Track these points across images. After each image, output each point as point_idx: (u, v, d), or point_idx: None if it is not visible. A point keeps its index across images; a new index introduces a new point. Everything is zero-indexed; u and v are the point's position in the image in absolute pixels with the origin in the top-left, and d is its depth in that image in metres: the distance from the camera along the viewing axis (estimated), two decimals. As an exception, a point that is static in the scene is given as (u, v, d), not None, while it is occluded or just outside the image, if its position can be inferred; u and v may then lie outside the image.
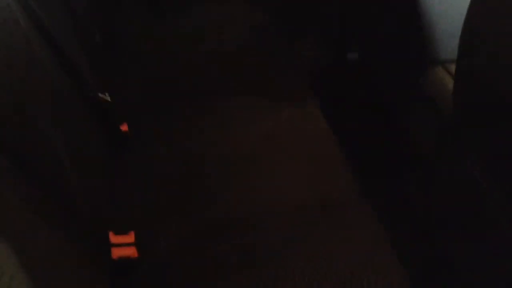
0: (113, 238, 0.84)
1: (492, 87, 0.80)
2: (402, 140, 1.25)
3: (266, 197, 0.97)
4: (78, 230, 0.80)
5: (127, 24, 1.51)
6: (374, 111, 1.42)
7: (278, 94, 1.23)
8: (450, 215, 1.02)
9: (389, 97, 1.33)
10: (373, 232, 0.90)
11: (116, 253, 0.82)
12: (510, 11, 0.74)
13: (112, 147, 1.04)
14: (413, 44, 1.13)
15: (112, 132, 1.04)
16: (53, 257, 0.69)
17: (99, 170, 0.96)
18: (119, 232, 0.86)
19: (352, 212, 0.93)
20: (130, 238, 0.85)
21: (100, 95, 0.99)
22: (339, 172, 1.02)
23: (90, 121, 0.98)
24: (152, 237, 0.88)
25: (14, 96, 0.72)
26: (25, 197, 0.69)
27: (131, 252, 0.83)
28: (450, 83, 1.03)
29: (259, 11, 1.52)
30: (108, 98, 1.00)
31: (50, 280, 0.62)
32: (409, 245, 1.10)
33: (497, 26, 0.78)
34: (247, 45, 1.38)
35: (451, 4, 1.04)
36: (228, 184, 1.00)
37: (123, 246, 0.83)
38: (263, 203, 0.96)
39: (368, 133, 1.40)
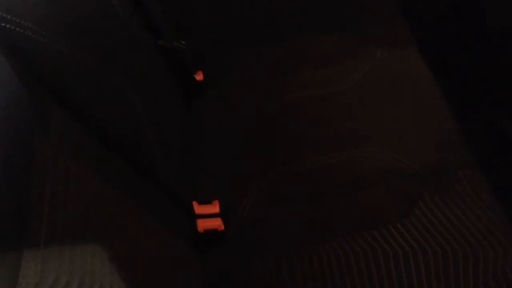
0: (198, 209, 0.79)
1: None
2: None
3: (361, 156, 0.87)
4: (162, 203, 0.74)
5: None
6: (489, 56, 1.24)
7: (367, 25, 1.09)
8: None
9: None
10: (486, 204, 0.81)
11: (202, 225, 0.77)
12: None
13: (189, 100, 0.96)
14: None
15: (188, 83, 0.95)
16: (139, 234, 0.64)
17: (178, 131, 0.88)
18: (203, 201, 0.80)
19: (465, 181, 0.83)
20: (215, 208, 0.79)
21: (175, 43, 0.89)
22: (446, 132, 0.90)
23: (166, 73, 0.89)
24: (237, 205, 0.82)
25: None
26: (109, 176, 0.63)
27: (217, 224, 0.77)
28: None
29: None
30: (183, 46, 0.91)
31: (136, 255, 0.59)
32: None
33: None
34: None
35: None
36: (315, 135, 0.91)
37: (208, 217, 0.78)
38: (357, 162, 0.87)
39: (479, 85, 1.24)
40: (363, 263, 0.76)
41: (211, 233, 0.77)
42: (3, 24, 0.53)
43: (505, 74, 1.14)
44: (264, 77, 1.02)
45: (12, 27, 0.54)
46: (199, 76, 0.98)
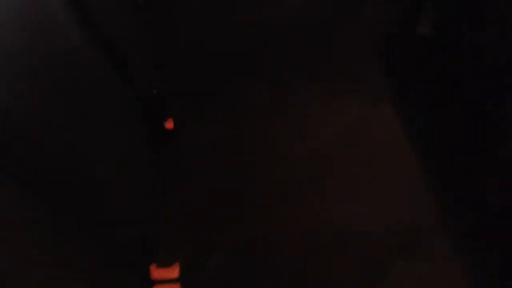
0: (155, 273, 0.73)
1: None
2: (496, 152, 1.08)
3: (338, 218, 0.84)
4: (116, 264, 0.69)
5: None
6: (459, 107, 1.23)
7: (343, 80, 1.07)
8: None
9: (482, 93, 1.13)
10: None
11: (159, 292, 0.72)
12: None
13: (157, 148, 0.92)
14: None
15: (156, 130, 0.91)
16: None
17: (141, 183, 0.84)
18: (162, 264, 0.75)
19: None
20: (174, 272, 0.74)
21: (144, 90, 0.85)
22: (419, 192, 0.87)
23: (130, 120, 0.85)
24: (200, 270, 0.77)
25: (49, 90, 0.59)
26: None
27: (176, 290, 0.72)
28: None
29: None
30: (155, 94, 0.87)
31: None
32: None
33: None
34: (307, 10, 1.20)
35: None
36: (283, 194, 0.87)
37: (166, 283, 0.73)
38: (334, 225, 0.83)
39: (453, 136, 1.22)
40: None
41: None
42: None
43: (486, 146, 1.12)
44: (237, 127, 0.98)
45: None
46: (169, 124, 0.94)
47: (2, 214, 0.51)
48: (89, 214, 0.65)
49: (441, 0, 1.36)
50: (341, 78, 1.08)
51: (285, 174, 0.91)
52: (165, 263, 0.75)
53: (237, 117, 0.99)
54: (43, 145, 0.60)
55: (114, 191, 0.71)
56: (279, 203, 0.87)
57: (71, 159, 0.64)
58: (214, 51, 1.12)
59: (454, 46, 1.26)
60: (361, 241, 0.82)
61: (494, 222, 1.02)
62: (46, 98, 0.61)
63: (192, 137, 0.95)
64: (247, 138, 0.96)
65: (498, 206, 1.05)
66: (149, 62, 0.95)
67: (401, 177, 0.91)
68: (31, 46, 0.60)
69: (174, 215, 0.85)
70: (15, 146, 0.57)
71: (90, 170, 0.67)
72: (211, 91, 1.05)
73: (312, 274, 0.79)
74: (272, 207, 0.86)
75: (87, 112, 0.69)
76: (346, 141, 0.96)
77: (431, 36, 1.44)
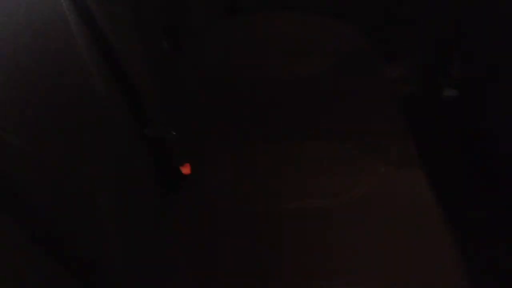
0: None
1: None
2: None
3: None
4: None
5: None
6: (490, 177, 1.17)
7: (372, 137, 1.02)
8: None
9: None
10: None
11: None
12: None
13: (166, 193, 0.86)
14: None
15: (170, 175, 0.85)
16: None
17: (145, 229, 0.77)
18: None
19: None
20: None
21: (163, 132, 0.80)
22: (445, 268, 0.80)
23: (143, 162, 0.79)
24: None
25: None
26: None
27: None
28: None
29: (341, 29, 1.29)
30: (172, 135, 0.82)
31: None
32: None
33: None
34: (327, 71, 1.17)
35: None
36: (302, 260, 0.80)
37: None
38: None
39: (483, 206, 1.15)
40: None
41: None
42: None
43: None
44: (252, 180, 0.93)
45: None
46: (186, 169, 0.89)
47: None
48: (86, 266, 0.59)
49: (467, 62, 1.33)
50: (366, 135, 1.03)
51: (302, 233, 0.84)
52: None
53: (252, 171, 0.94)
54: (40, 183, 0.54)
55: (117, 240, 0.65)
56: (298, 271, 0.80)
57: (74, 201, 0.59)
58: (239, 99, 1.08)
59: (481, 110, 1.22)
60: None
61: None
62: (56, 132, 0.56)
63: (207, 185, 0.89)
64: (259, 193, 0.91)
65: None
66: (170, 103, 0.91)
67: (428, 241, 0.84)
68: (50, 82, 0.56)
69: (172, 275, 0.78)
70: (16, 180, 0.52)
71: (93, 212, 0.61)
72: (233, 139, 1.00)
73: None
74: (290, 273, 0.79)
75: (97, 151, 0.64)
76: (370, 202, 0.89)
77: (457, 99, 1.42)
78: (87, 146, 0.62)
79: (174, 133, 0.82)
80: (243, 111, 1.07)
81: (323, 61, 1.18)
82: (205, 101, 1.07)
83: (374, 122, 1.05)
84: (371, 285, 0.78)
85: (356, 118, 1.06)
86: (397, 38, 1.47)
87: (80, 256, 0.59)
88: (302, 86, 1.13)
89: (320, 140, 1.00)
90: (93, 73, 0.67)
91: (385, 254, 0.81)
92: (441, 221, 0.88)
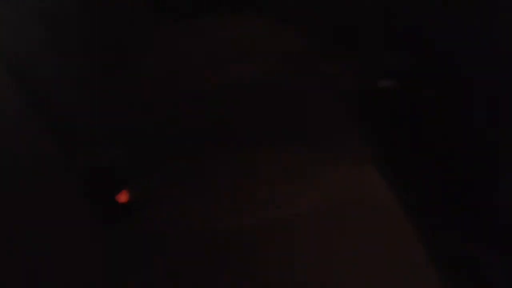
0: None
1: None
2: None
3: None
4: None
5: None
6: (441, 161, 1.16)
7: (326, 141, 0.99)
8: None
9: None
10: None
11: None
12: None
13: (110, 225, 0.79)
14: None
15: (107, 206, 0.78)
16: None
17: (89, 266, 0.71)
18: None
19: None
20: None
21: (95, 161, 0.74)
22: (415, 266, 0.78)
23: (77, 197, 0.72)
24: None
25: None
26: None
27: None
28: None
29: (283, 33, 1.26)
30: (106, 164, 0.75)
31: None
32: None
33: None
34: (271, 76, 1.13)
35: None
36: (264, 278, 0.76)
37: None
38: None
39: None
40: None
41: None
42: None
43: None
44: (202, 197, 0.87)
45: None
46: (123, 197, 0.82)
47: None
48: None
49: (401, 53, 1.33)
50: (320, 139, 1.00)
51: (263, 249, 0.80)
52: None
53: (202, 187, 0.88)
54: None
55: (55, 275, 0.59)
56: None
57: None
58: (176, 118, 1.02)
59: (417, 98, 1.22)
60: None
61: None
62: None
63: (151, 213, 0.83)
64: (209, 211, 0.85)
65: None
66: (100, 130, 0.84)
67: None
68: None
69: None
70: None
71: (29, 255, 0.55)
72: (175, 161, 0.93)
73: None
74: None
75: (24, 190, 0.57)
76: (329, 205, 0.86)
77: (394, 89, 1.42)
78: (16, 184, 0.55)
79: (106, 161, 0.75)
80: (184, 124, 1.01)
81: (267, 64, 1.14)
82: (144, 117, 1.01)
83: (322, 122, 1.02)
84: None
85: (304, 120, 1.04)
86: (336, 36, 1.46)
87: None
88: (247, 91, 1.08)
89: (270, 148, 0.97)
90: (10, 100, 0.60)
91: (350, 259, 0.79)
92: (401, 217, 0.86)
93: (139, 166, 0.89)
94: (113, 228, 0.79)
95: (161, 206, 0.83)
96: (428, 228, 0.91)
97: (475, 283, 0.99)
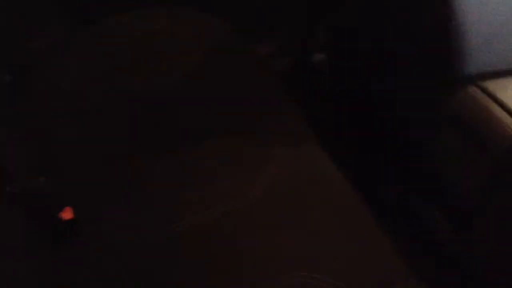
0: None
1: None
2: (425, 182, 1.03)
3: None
4: None
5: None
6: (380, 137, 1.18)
7: (256, 125, 0.97)
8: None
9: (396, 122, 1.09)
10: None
11: None
12: None
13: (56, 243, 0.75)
14: (431, 56, 0.90)
15: (51, 225, 0.74)
16: None
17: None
18: None
19: None
20: None
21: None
22: (371, 240, 0.78)
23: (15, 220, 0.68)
24: None
25: None
26: None
27: None
28: (491, 105, 0.81)
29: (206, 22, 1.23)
30: (42, 184, 0.71)
31: None
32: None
33: None
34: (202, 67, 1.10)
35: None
36: (220, 271, 0.74)
37: None
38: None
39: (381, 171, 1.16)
40: None
41: None
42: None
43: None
44: (148, 203, 0.83)
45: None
46: (68, 214, 0.78)
47: None
48: None
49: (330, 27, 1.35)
50: (256, 127, 0.99)
51: (218, 243, 0.78)
52: None
53: (146, 191, 0.85)
54: None
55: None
56: None
57: None
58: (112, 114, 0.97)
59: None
60: None
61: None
62: None
63: (96, 227, 0.79)
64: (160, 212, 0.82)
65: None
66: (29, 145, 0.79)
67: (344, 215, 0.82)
68: None
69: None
70: None
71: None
72: (112, 173, 0.89)
73: None
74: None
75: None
76: (277, 191, 0.85)
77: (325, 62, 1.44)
78: None
79: (43, 179, 0.71)
80: (119, 128, 0.97)
81: (196, 58, 1.11)
82: (73, 131, 0.96)
83: (259, 107, 1.00)
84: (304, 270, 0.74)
85: (241, 107, 1.02)
86: (262, 16, 1.45)
87: None
88: (176, 87, 1.05)
89: (210, 142, 0.94)
90: None
91: (305, 246, 0.78)
92: (352, 198, 0.86)
93: (76, 181, 0.85)
94: (60, 246, 0.75)
95: (105, 218, 0.79)
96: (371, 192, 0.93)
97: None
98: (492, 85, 0.81)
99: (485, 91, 0.81)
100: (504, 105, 0.79)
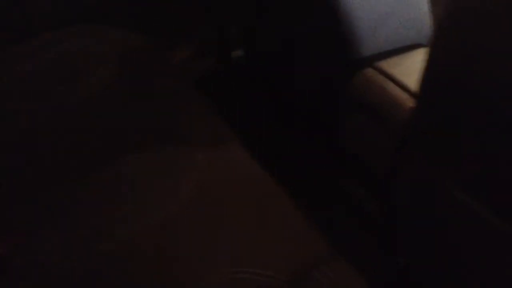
0: None
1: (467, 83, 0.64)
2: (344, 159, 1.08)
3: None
4: None
5: None
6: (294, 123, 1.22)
7: (177, 132, 1.00)
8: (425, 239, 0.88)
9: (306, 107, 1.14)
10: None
11: None
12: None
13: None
14: (327, 40, 0.95)
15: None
16: None
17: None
18: None
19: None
20: None
21: None
22: (296, 228, 0.83)
23: None
24: None
25: None
26: None
27: None
28: (386, 83, 0.87)
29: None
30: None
31: None
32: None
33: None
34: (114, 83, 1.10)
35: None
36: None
37: None
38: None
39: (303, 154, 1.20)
40: None
41: None
42: None
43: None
44: (77, 222, 0.84)
45: None
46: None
47: None
48: None
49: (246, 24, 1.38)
50: (176, 132, 1.01)
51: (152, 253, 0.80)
52: None
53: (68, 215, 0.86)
54: None
55: None
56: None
57: None
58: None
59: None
60: None
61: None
62: None
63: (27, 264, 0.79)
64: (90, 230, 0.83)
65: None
66: None
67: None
68: None
69: None
70: None
71: None
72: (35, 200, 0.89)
73: None
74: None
75: None
76: (204, 193, 0.88)
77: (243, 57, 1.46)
78: None
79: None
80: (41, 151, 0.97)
81: (111, 73, 1.12)
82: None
83: (178, 113, 1.03)
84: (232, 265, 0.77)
85: (162, 119, 1.04)
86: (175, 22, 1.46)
87: None
88: (96, 104, 1.05)
89: (133, 155, 0.95)
90: None
91: (234, 244, 0.81)
92: (277, 193, 0.90)
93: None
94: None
95: (34, 249, 0.80)
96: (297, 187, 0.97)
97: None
98: (385, 65, 0.87)
99: (379, 71, 0.87)
100: (397, 81, 0.85)
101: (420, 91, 0.73)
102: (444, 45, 0.67)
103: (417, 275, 0.89)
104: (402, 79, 0.85)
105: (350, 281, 0.80)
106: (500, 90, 0.60)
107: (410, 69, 0.86)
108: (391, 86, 0.85)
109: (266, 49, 1.27)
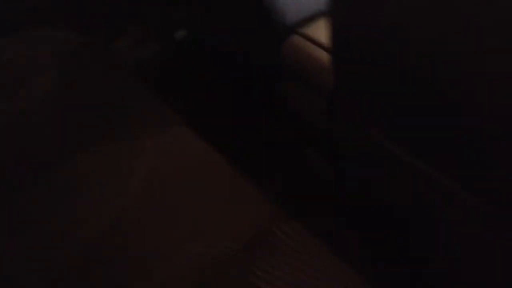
0: None
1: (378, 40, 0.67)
2: (286, 123, 1.12)
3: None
4: None
5: None
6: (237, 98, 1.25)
7: (124, 123, 1.02)
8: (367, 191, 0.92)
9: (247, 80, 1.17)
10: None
11: None
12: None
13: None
14: (254, 12, 0.97)
15: None
16: None
17: None
18: None
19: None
20: None
21: None
22: (243, 195, 0.86)
23: None
24: None
25: None
26: None
27: None
28: (312, 49, 0.90)
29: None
30: None
31: None
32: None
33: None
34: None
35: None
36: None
37: None
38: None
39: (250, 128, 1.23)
40: None
41: None
42: None
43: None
44: (35, 230, 0.86)
45: None
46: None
47: None
48: None
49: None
50: (126, 124, 1.03)
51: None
52: None
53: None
54: None
55: None
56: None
57: None
58: None
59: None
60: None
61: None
62: None
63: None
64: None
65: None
66: None
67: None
68: None
69: None
70: None
71: None
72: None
73: None
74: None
75: None
76: (164, 175, 0.90)
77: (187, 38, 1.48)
78: None
79: None
80: None
81: (56, 74, 1.13)
82: None
83: (126, 106, 1.04)
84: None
85: (108, 113, 1.05)
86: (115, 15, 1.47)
87: None
88: (42, 107, 1.07)
89: (82, 153, 0.97)
90: None
91: (193, 223, 0.84)
92: (228, 169, 0.92)
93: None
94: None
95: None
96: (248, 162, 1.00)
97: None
98: (308, 30, 0.90)
99: (304, 36, 0.90)
100: (321, 44, 0.88)
101: (331, 47, 0.76)
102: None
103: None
104: (325, 41, 0.88)
105: (308, 240, 0.84)
106: (400, 35, 0.62)
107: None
108: (316, 50, 0.88)
109: (206, 28, 1.29)
